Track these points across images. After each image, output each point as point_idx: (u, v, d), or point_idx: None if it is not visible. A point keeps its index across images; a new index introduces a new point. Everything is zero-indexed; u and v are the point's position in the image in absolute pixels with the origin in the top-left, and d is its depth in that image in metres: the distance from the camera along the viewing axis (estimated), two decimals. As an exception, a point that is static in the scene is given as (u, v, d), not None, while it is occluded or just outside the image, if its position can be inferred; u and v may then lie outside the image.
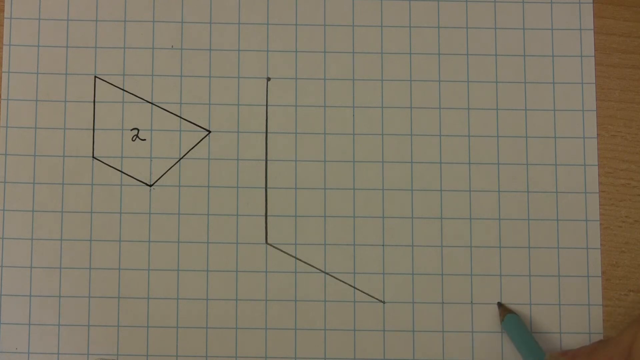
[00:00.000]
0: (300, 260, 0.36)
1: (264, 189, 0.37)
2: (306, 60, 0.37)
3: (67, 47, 0.37)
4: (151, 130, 0.37)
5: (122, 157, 0.37)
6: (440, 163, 0.37)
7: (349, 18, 0.38)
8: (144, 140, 0.37)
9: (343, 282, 0.36)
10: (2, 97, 0.37)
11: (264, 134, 0.37)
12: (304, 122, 0.37)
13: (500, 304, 0.36)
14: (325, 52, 0.37)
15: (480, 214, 0.36)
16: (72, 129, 0.37)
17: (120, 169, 0.37)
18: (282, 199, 0.37)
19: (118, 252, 0.36)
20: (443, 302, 0.36)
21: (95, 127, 0.37)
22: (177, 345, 0.36)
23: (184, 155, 0.37)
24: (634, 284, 0.36)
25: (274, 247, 0.36)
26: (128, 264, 0.36)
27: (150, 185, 0.37)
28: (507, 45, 0.37)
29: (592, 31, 0.38)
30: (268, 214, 0.37)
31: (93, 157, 0.37)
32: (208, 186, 0.37)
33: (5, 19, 0.37)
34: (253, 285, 0.36)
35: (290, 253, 0.36)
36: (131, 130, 0.37)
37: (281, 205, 0.37)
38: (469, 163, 0.37)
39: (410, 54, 0.37)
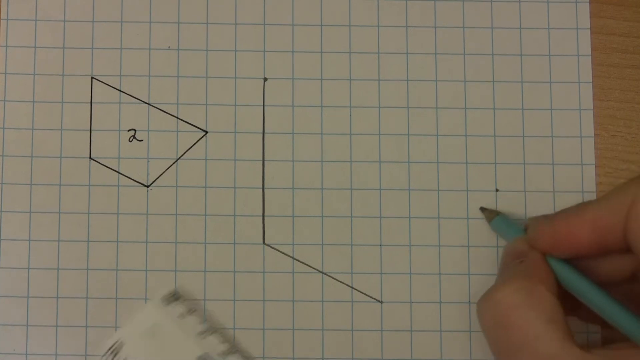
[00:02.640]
0: (297, 260, 0.36)
1: (261, 189, 0.37)
2: (303, 60, 0.37)
3: (63, 48, 0.37)
4: (148, 130, 0.37)
5: (119, 157, 0.37)
6: (438, 163, 0.37)
7: (346, 18, 0.38)
8: (141, 141, 0.37)
9: (341, 282, 0.36)
10: None
11: (261, 134, 0.37)
12: (301, 122, 0.37)
13: (483, 208, 0.36)
14: (322, 52, 0.37)
15: (478, 213, 0.36)
16: (68, 129, 0.37)
17: (117, 169, 0.37)
18: (280, 199, 0.37)
19: (116, 253, 0.36)
20: (441, 302, 0.36)
21: (92, 128, 0.37)
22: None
23: (181, 156, 0.37)
24: (632, 283, 0.36)
25: (271, 247, 0.36)
26: (126, 264, 0.36)
27: (148, 186, 0.37)
28: (504, 44, 0.37)
29: (589, 30, 0.38)
30: (265, 214, 0.37)
31: (90, 158, 0.37)
32: (205, 187, 0.37)
33: (1, 20, 0.37)
34: (250, 285, 0.36)
35: (287, 253, 0.36)
36: (128, 131, 0.37)
37: (278, 206, 0.37)
38: (466, 163, 0.37)
39: (407, 53, 0.37)
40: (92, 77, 0.37)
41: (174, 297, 0.36)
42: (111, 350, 0.35)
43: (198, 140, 0.37)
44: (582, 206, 0.31)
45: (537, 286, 0.30)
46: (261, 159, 0.37)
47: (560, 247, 0.31)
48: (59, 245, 0.36)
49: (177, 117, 0.37)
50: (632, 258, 0.31)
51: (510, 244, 0.34)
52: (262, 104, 0.37)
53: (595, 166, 0.37)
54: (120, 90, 0.37)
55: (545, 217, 0.33)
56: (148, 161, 0.37)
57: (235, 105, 0.37)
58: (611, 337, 0.35)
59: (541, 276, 0.31)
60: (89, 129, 0.37)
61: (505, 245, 0.34)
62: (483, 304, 0.31)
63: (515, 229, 0.34)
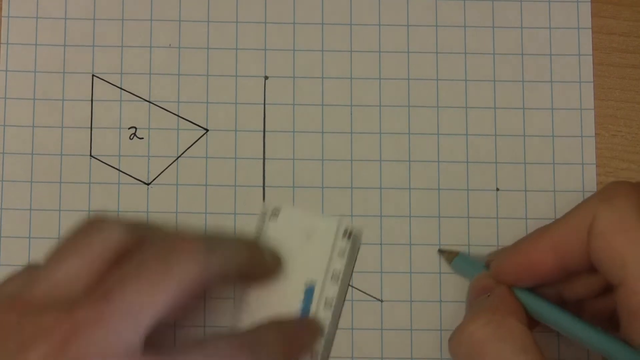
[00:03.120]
0: (298, 259, 0.36)
1: (261, 188, 0.37)
2: (304, 59, 0.37)
3: (64, 45, 0.37)
4: (149, 128, 0.37)
5: (119, 155, 0.37)
6: (438, 162, 0.37)
7: (347, 17, 0.38)
8: (142, 138, 0.37)
9: (341, 281, 0.36)
10: (0, 96, 0.37)
11: (262, 133, 0.37)
12: (302, 121, 0.37)
13: (441, 250, 0.36)
14: (323, 50, 0.37)
15: (478, 212, 0.36)
16: (69, 127, 0.37)
17: (118, 167, 0.37)
18: (280, 198, 0.37)
19: (116, 251, 0.36)
20: (441, 301, 0.36)
21: (93, 126, 0.37)
22: (174, 344, 0.36)
23: (182, 154, 0.37)
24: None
25: (271, 246, 0.36)
26: (126, 262, 0.36)
27: (148, 184, 0.37)
28: (505, 44, 0.37)
29: (590, 30, 0.38)
30: (266, 212, 0.37)
31: (91, 155, 0.37)
32: (206, 185, 0.37)
33: (2, 18, 0.37)
34: (251, 284, 0.36)
35: (288, 252, 0.36)
36: (129, 128, 0.37)
37: (279, 204, 0.37)
38: (467, 162, 0.37)
39: (408, 52, 0.37)
40: (92, 75, 0.37)
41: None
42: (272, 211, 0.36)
43: (199, 139, 0.37)
44: (542, 231, 0.31)
45: (507, 318, 0.29)
46: (262, 157, 0.37)
47: (524, 277, 0.31)
48: (59, 243, 0.36)
49: (178, 115, 0.37)
50: (597, 276, 0.31)
51: (474, 281, 0.33)
52: (262, 102, 0.37)
53: (596, 166, 0.37)
54: (121, 88, 0.37)
55: (505, 250, 0.32)
56: (149, 159, 0.37)
57: (236, 103, 0.37)
58: None
59: (509, 308, 0.30)
60: (89, 126, 0.37)
61: (469, 285, 0.34)
62: (454, 340, 0.30)
63: (476, 266, 0.34)
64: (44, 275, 0.29)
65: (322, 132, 0.37)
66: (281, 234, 0.36)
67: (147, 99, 0.37)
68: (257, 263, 0.34)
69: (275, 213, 0.36)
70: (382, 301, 0.36)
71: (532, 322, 0.31)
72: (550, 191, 0.36)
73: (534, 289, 0.32)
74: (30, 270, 0.29)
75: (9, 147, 0.37)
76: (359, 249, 0.36)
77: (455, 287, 0.36)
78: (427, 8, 0.38)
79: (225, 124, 0.37)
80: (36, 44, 0.37)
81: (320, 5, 0.38)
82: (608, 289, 0.31)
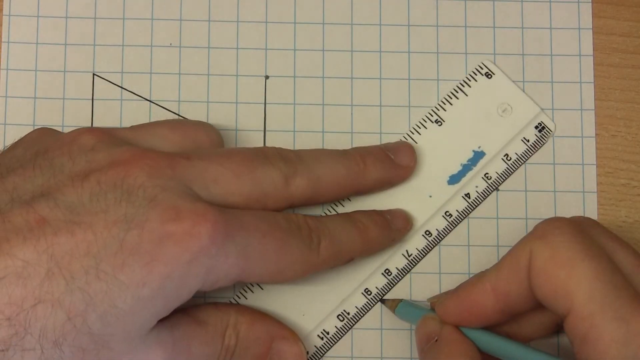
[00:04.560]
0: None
1: (262, 187, 0.37)
2: (305, 58, 0.37)
3: (65, 44, 0.37)
4: (149, 128, 0.37)
5: (120, 154, 0.37)
6: (439, 162, 0.37)
7: (348, 16, 0.38)
8: (142, 137, 0.37)
9: (341, 280, 0.36)
10: (1, 95, 0.37)
11: (262, 132, 0.37)
12: (303, 121, 0.37)
13: (383, 300, 0.36)
14: (323, 50, 0.37)
15: (478, 213, 0.36)
16: (70, 126, 0.37)
17: (118, 166, 0.37)
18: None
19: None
20: (441, 301, 0.36)
21: (94, 125, 0.37)
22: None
23: (182, 153, 0.37)
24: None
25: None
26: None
27: (149, 183, 0.37)
28: (506, 44, 0.37)
29: (591, 30, 0.38)
30: (266, 212, 0.37)
31: (91, 154, 0.37)
32: (206, 184, 0.37)
33: (3, 16, 0.37)
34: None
35: (288, 251, 0.36)
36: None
37: (279, 204, 0.37)
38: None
39: (409, 52, 0.37)
40: (93, 74, 0.37)
41: None
42: None
43: (199, 138, 0.37)
44: (481, 275, 0.31)
45: None
46: (262, 156, 0.37)
47: (468, 318, 0.31)
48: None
49: (179, 115, 0.37)
50: (543, 314, 0.32)
51: (420, 327, 0.33)
52: (263, 101, 0.37)
53: (596, 166, 0.37)
54: (121, 87, 0.37)
55: (448, 293, 0.33)
56: (149, 158, 0.37)
57: (236, 102, 0.37)
58: None
59: (460, 350, 0.31)
60: (90, 125, 0.37)
61: (415, 329, 0.33)
62: None
63: (420, 310, 0.34)
64: (132, 127, 0.32)
65: (323, 132, 0.37)
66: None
67: (148, 98, 0.37)
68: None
69: (489, 75, 0.37)
70: (382, 301, 0.36)
71: (487, 358, 0.31)
72: (550, 191, 0.37)
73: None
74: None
75: (10, 145, 0.37)
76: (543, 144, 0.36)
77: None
78: (428, 8, 0.38)
79: (226, 123, 0.37)
80: (37, 43, 0.37)
81: (321, 4, 0.38)
82: (555, 328, 0.32)
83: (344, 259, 0.33)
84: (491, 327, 0.32)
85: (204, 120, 0.37)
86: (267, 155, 0.32)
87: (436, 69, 0.37)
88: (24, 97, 0.37)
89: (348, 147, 0.36)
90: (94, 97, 0.37)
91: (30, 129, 0.36)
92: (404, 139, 0.36)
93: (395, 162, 0.35)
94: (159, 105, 0.37)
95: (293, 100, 0.37)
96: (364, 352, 0.36)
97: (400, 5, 0.38)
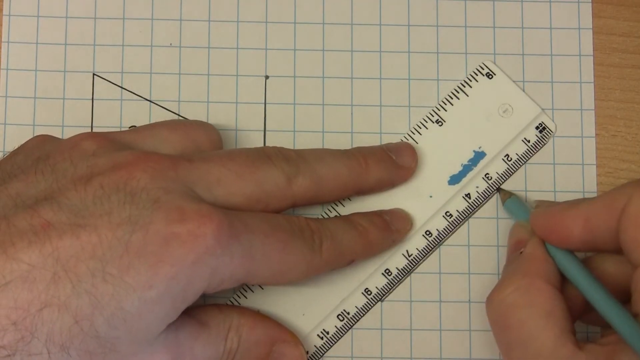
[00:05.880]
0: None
1: (262, 187, 0.37)
2: (305, 58, 0.37)
3: (65, 44, 0.37)
4: (149, 127, 0.37)
5: (120, 154, 0.37)
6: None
7: (348, 16, 0.38)
8: (142, 137, 0.37)
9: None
10: (1, 95, 0.37)
11: (262, 132, 0.37)
12: (303, 121, 0.37)
13: (500, 189, 0.36)
14: (323, 50, 0.37)
15: (479, 213, 0.36)
16: (70, 126, 0.37)
17: (118, 166, 0.37)
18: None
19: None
20: (441, 301, 0.36)
21: (94, 125, 0.37)
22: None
23: (182, 153, 0.37)
24: (632, 283, 0.36)
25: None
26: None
27: (149, 183, 0.37)
28: (506, 44, 0.37)
29: (591, 30, 0.38)
30: (266, 212, 0.37)
31: (91, 154, 0.37)
32: (206, 184, 0.37)
33: (3, 16, 0.37)
34: (251, 283, 0.36)
35: (288, 251, 0.36)
36: (129, 127, 0.37)
37: (279, 204, 0.37)
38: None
39: (409, 52, 0.37)
40: (93, 74, 0.37)
41: None
42: None
43: (199, 138, 0.37)
44: (579, 201, 0.32)
45: (535, 281, 0.30)
46: (262, 156, 0.37)
47: (552, 236, 0.32)
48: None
49: (179, 115, 0.37)
50: (621, 266, 0.32)
51: (512, 232, 0.34)
52: (263, 101, 0.37)
53: (596, 166, 0.37)
54: (121, 87, 0.37)
55: (548, 204, 0.34)
56: (149, 158, 0.37)
57: (236, 102, 0.37)
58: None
59: (539, 269, 0.31)
60: (90, 125, 0.37)
61: (509, 231, 0.35)
62: (487, 304, 0.32)
63: (523, 211, 0.35)
64: (132, 130, 0.32)
65: (323, 132, 0.37)
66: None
67: (148, 98, 0.37)
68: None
69: (490, 75, 0.37)
70: (382, 301, 0.36)
71: (564, 278, 0.32)
72: (550, 191, 0.37)
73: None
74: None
75: (10, 146, 0.36)
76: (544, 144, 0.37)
77: (456, 287, 0.36)
78: (428, 8, 0.38)
79: (226, 123, 0.37)
80: (37, 43, 0.37)
81: (321, 4, 0.38)
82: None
83: (345, 261, 0.33)
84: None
85: (204, 120, 0.37)
86: (269, 155, 0.32)
87: (436, 69, 0.37)
88: (24, 97, 0.37)
89: (348, 147, 0.36)
90: (94, 97, 0.37)
91: (30, 129, 0.37)
92: (404, 139, 0.36)
93: (396, 163, 0.35)
94: (159, 105, 0.37)
95: (293, 100, 0.37)
96: (364, 352, 0.36)
97: (400, 5, 0.38)
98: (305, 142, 0.37)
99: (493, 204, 0.36)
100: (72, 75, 0.37)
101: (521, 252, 0.32)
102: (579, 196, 0.36)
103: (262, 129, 0.37)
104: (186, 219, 0.28)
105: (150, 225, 0.27)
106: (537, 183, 0.37)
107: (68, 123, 0.37)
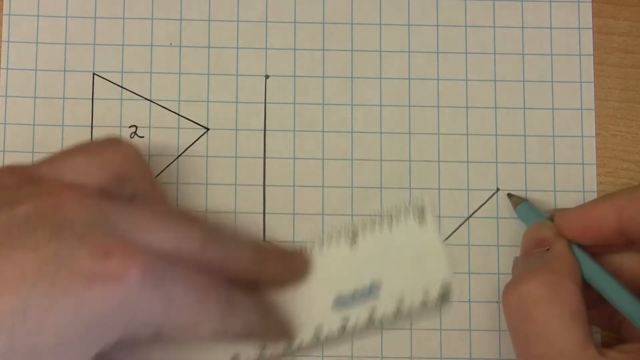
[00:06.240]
0: (298, 258, 0.36)
1: (262, 187, 0.37)
2: (305, 58, 0.37)
3: (65, 44, 0.37)
4: (149, 127, 0.37)
5: (120, 154, 0.37)
6: (439, 162, 0.37)
7: (348, 16, 0.38)
8: (142, 137, 0.37)
9: (341, 280, 0.36)
10: (1, 95, 0.37)
11: (262, 132, 0.37)
12: (303, 120, 0.37)
13: (510, 195, 0.36)
14: (324, 50, 0.37)
15: (478, 212, 0.36)
16: (70, 126, 0.37)
17: (118, 166, 0.37)
18: (280, 197, 0.37)
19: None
20: (441, 301, 0.36)
21: (94, 124, 0.37)
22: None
23: (182, 153, 0.37)
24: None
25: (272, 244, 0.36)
26: (126, 261, 0.36)
27: (149, 183, 0.37)
28: (506, 43, 0.37)
29: (591, 30, 0.38)
30: (266, 211, 0.37)
31: (91, 154, 0.37)
32: (206, 183, 0.37)
33: (3, 16, 0.37)
34: (251, 283, 0.36)
35: (288, 251, 0.36)
36: (129, 127, 0.37)
37: (279, 203, 0.37)
38: (467, 162, 0.37)
39: (409, 52, 0.37)
40: (93, 74, 0.37)
41: None
42: None
43: (199, 137, 0.37)
44: (609, 195, 0.32)
45: (565, 280, 0.30)
46: (262, 156, 0.37)
47: (585, 232, 0.32)
48: (59, 242, 0.36)
49: (179, 114, 0.37)
50: None
51: (533, 229, 0.34)
52: (263, 101, 0.37)
53: (596, 166, 0.37)
54: (121, 87, 0.37)
55: (570, 209, 0.33)
56: (149, 158, 0.37)
57: (236, 102, 0.37)
58: (608, 342, 0.35)
59: (568, 268, 0.31)
60: (90, 125, 0.37)
61: (526, 229, 0.34)
62: (509, 294, 0.31)
63: (539, 216, 0.34)
64: (48, 161, 0.30)
65: (323, 131, 0.37)
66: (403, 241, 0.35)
67: (148, 98, 0.37)
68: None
69: (421, 216, 0.35)
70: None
71: (584, 282, 0.32)
72: (550, 191, 0.37)
73: (592, 255, 0.32)
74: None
75: (10, 145, 0.37)
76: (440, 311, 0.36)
77: (456, 286, 0.36)
78: (428, 7, 0.38)
79: (226, 122, 0.37)
80: (37, 42, 0.37)
81: (321, 4, 0.38)
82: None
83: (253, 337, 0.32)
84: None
85: (204, 120, 0.37)
86: (190, 218, 0.31)
87: (436, 69, 0.37)
88: (24, 97, 0.37)
89: (348, 146, 0.36)
90: (94, 97, 0.37)
91: (30, 129, 0.37)
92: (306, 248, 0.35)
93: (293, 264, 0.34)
94: (159, 105, 0.37)
95: (293, 100, 0.37)
96: (364, 352, 0.36)
97: (400, 5, 0.38)
98: (305, 141, 0.37)
99: (493, 204, 0.36)
100: (72, 75, 0.37)
101: (547, 250, 0.32)
102: (579, 196, 0.36)
103: (262, 129, 0.37)
104: (111, 257, 0.27)
105: (75, 262, 0.26)
106: (537, 183, 0.37)
107: (68, 123, 0.37)
